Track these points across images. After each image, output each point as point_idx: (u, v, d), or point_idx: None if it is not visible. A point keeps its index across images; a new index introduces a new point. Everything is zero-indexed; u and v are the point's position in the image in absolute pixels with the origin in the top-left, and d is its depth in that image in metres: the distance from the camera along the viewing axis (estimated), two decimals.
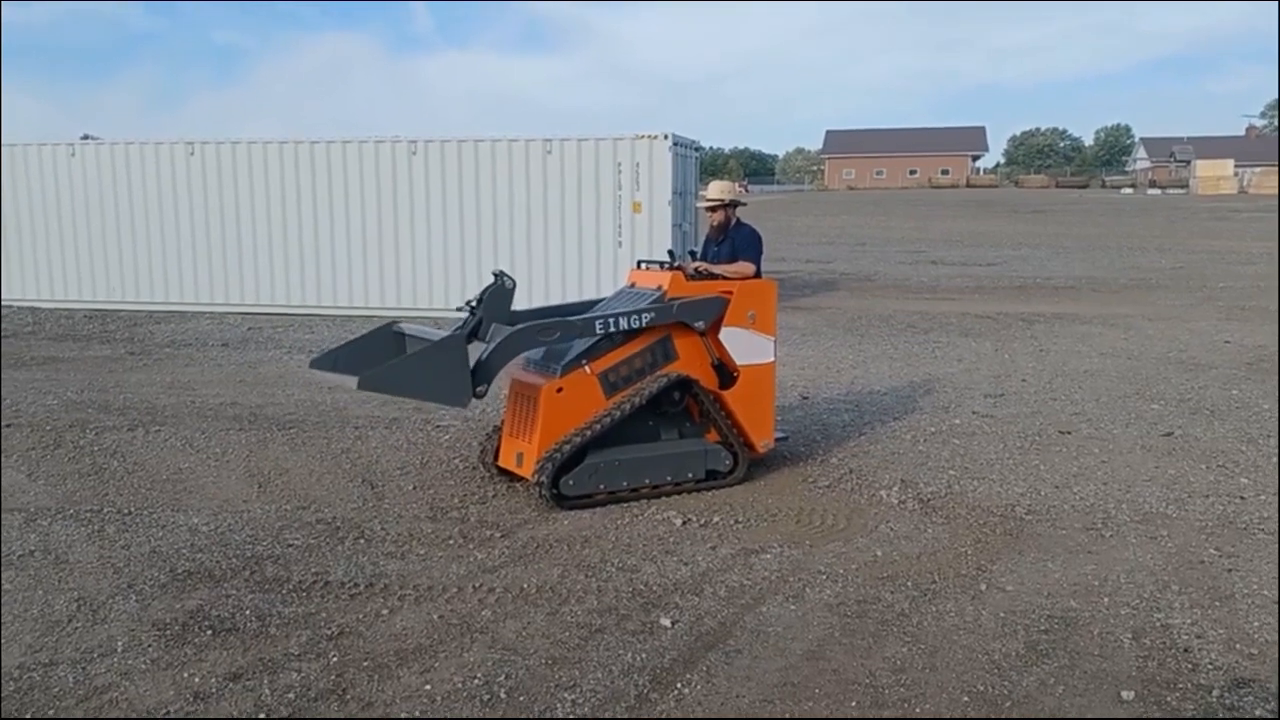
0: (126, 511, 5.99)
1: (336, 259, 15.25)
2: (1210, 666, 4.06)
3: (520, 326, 5.95)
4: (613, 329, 6.13)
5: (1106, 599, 4.70)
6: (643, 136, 14.24)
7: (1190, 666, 4.06)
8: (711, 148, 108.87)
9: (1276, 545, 5.38)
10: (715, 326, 6.40)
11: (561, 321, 6.07)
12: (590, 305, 6.59)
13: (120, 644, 4.24)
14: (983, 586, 4.85)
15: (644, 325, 6.18)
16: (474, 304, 6.14)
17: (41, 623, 4.46)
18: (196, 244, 15.71)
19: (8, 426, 8.01)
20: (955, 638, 4.32)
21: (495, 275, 6.18)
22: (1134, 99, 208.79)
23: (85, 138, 17.20)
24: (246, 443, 7.56)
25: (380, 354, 6.10)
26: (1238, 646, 4.22)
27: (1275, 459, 6.97)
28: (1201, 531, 5.60)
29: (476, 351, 5.89)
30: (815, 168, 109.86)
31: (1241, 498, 6.17)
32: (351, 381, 5.48)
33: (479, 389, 5.76)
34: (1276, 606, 4.62)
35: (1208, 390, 9.26)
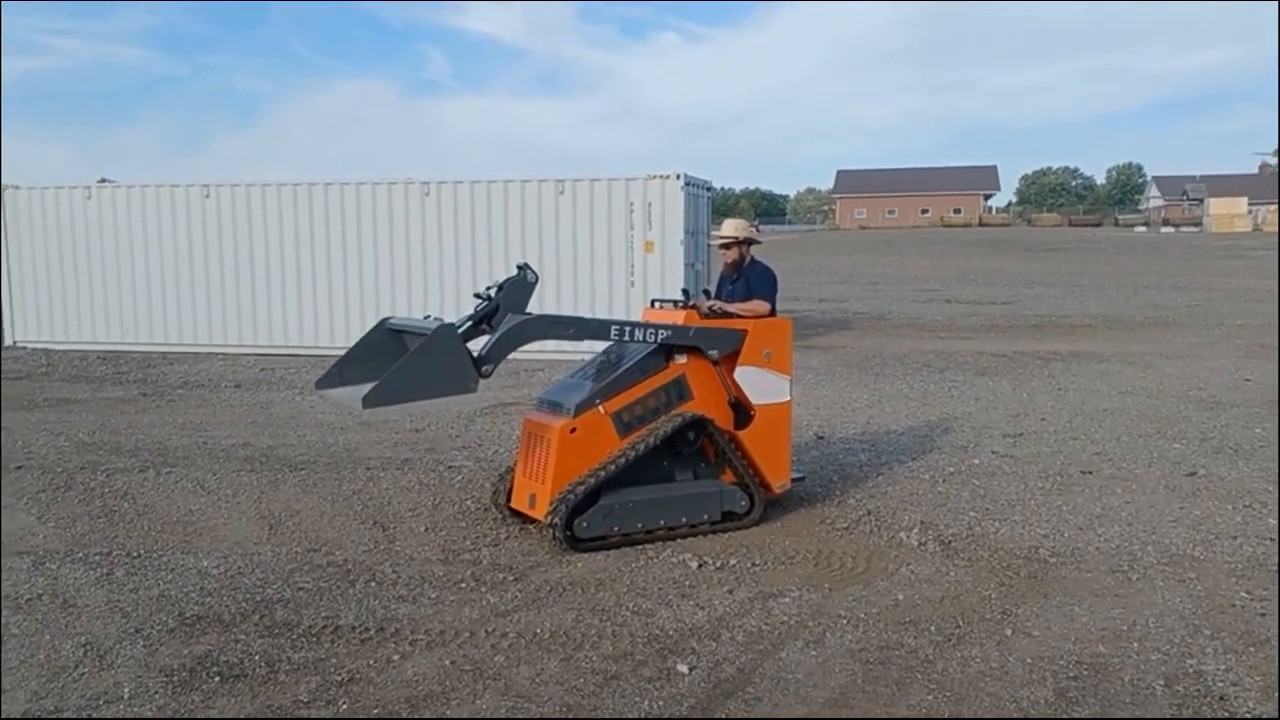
0: (136, 554, 5.92)
1: (350, 300, 15.28)
2: (1248, 715, 3.92)
3: (535, 315, 5.88)
4: (627, 337, 6.08)
5: (1136, 644, 4.57)
6: (655, 176, 14.29)
7: (1227, 715, 3.93)
8: (723, 188, 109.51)
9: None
10: (731, 363, 6.34)
11: (577, 319, 6.02)
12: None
13: (127, 690, 4.15)
14: (1008, 631, 4.72)
15: (659, 341, 6.13)
16: (491, 291, 6.01)
17: (48, 668, 4.37)
18: (210, 285, 15.79)
19: (18, 468, 7.98)
20: (982, 685, 4.20)
21: (519, 267, 6.10)
22: (1145, 138, 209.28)
23: (103, 181, 17.37)
24: (258, 484, 7.50)
25: (380, 356, 5.98)
26: (1275, 694, 4.09)
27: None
28: (1231, 574, 5.46)
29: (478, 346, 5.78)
30: (826, 207, 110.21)
31: (1270, 539, 6.03)
32: (356, 404, 5.40)
33: (484, 369, 5.63)
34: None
35: (1230, 429, 9.13)
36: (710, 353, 6.26)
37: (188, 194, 15.83)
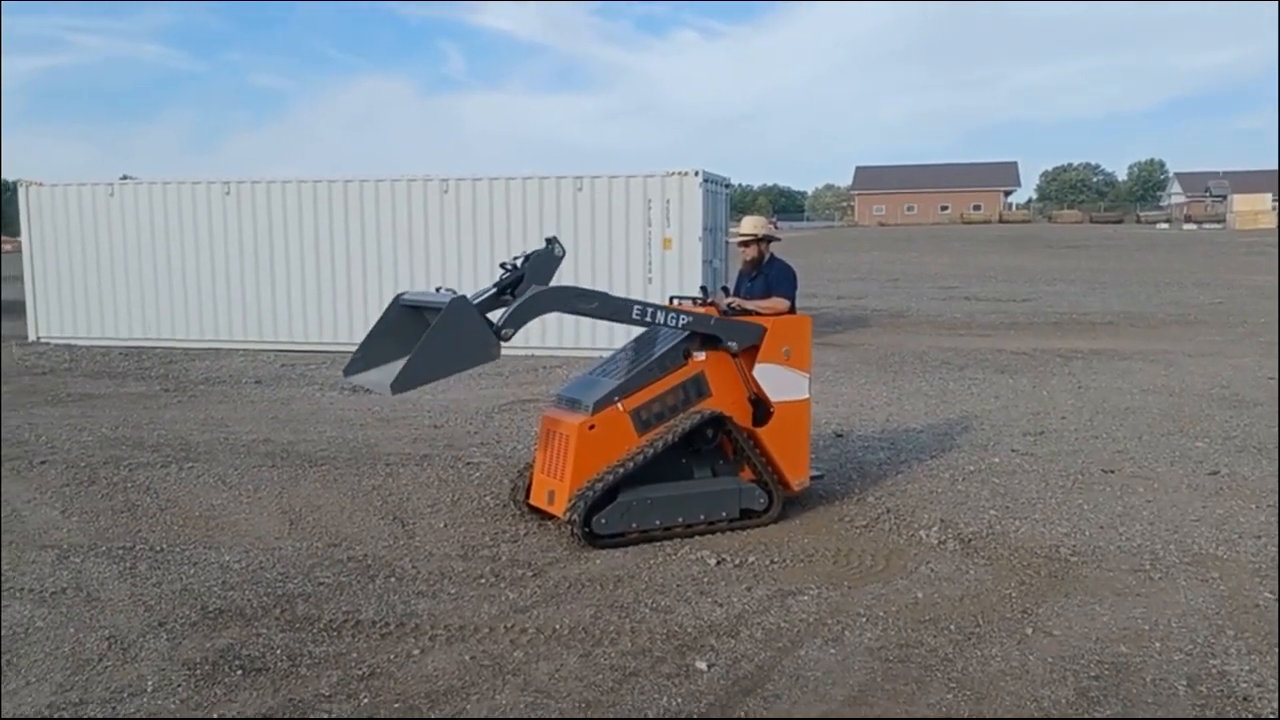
0: (159, 548, 5.97)
1: (369, 296, 15.31)
2: (1272, 716, 3.89)
3: (559, 285, 5.88)
4: (649, 318, 6.09)
5: (1158, 644, 4.54)
6: (673, 173, 14.28)
7: (1251, 716, 3.90)
8: (741, 184, 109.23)
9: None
10: (750, 360, 6.33)
11: (601, 293, 6.03)
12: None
13: (150, 684, 4.19)
14: (1029, 630, 4.70)
15: (680, 326, 6.15)
16: (517, 261, 6.00)
17: (73, 660, 4.42)
18: (231, 282, 15.89)
19: (42, 463, 8.06)
20: (1002, 684, 4.18)
21: (547, 241, 6.09)
22: (1167, 134, 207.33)
23: (125, 178, 17.49)
24: (279, 479, 7.55)
25: (401, 333, 5.99)
26: None
27: None
28: (1255, 574, 5.42)
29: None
30: (845, 204, 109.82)
31: None
32: (385, 388, 5.44)
33: (504, 332, 5.63)
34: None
35: (1254, 427, 9.04)
36: (729, 344, 6.25)
37: (209, 191, 15.94)
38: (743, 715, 3.94)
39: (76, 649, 4.54)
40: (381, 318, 6.18)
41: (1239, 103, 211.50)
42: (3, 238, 49.48)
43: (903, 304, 21.95)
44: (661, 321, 6.13)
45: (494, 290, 5.97)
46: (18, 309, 17.73)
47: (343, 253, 15.49)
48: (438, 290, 6.06)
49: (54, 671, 4.32)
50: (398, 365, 5.62)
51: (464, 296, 5.69)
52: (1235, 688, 4.12)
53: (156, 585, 5.35)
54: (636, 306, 6.10)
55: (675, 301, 6.76)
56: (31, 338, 16.53)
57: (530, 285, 5.92)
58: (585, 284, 14.34)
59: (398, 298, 6.23)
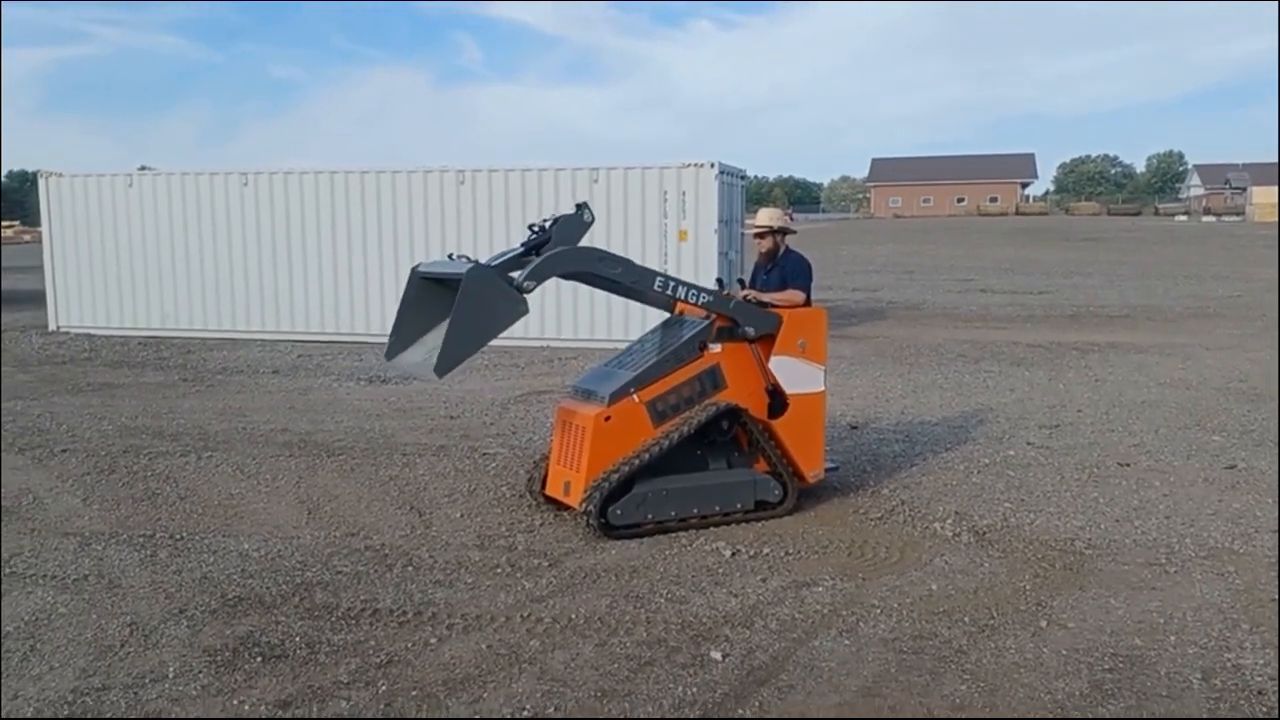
0: (179, 536, 6.04)
1: (385, 287, 15.38)
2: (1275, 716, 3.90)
3: (585, 245, 5.89)
4: (669, 292, 6.13)
5: (1173, 637, 4.54)
6: (689, 165, 14.26)
7: (1265, 710, 3.90)
8: (756, 176, 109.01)
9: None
10: (766, 352, 6.34)
11: (626, 259, 6.06)
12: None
13: (172, 669, 4.25)
14: (1043, 623, 4.71)
15: (700, 303, 6.19)
16: (546, 223, 6.00)
17: (95, 647, 4.48)
18: (249, 272, 15.99)
19: (63, 451, 8.14)
20: (1016, 676, 4.19)
21: (578, 206, 6.09)
22: (1187, 125, 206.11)
23: (143, 169, 17.61)
24: (296, 469, 7.61)
25: (428, 307, 6.01)
26: None
27: None
28: (1271, 568, 5.40)
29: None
30: (861, 196, 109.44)
31: None
32: (429, 373, 5.52)
33: (526, 285, 5.63)
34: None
35: (1271, 421, 9.00)
36: (745, 329, 6.27)
37: (226, 182, 16.02)
38: (739, 716, 3.96)
39: (99, 635, 4.61)
40: (404, 299, 6.17)
41: (1259, 94, 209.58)
42: (3, 225, 51.33)
43: (918, 296, 21.89)
44: (682, 296, 6.14)
45: (520, 250, 5.96)
46: (38, 299, 17.88)
47: (360, 244, 15.55)
48: (451, 257, 6.04)
49: (77, 657, 4.38)
50: (431, 341, 5.70)
51: (480, 264, 5.70)
52: (1250, 681, 4.12)
53: (177, 573, 5.41)
54: (659, 278, 6.12)
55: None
56: (51, 327, 16.69)
57: (557, 247, 5.93)
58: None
59: (414, 270, 6.19)
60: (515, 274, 5.75)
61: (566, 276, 6.18)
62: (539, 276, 5.71)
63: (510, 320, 5.67)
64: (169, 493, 7.00)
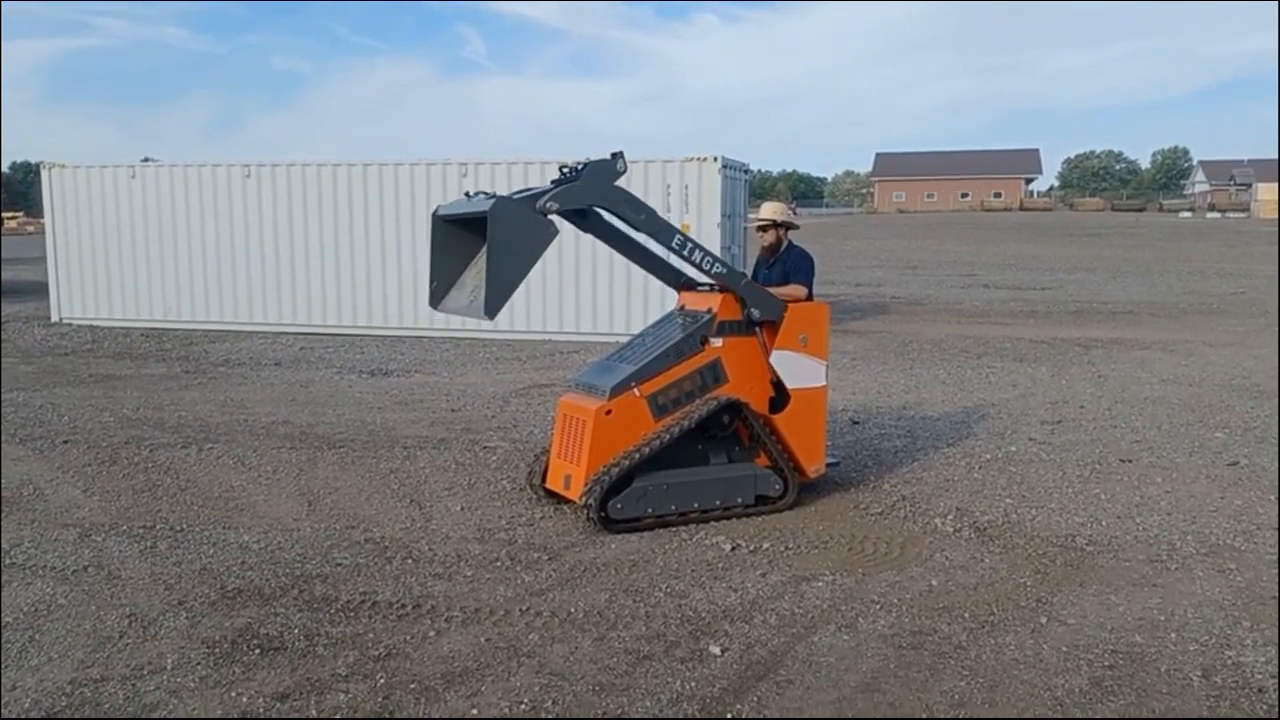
0: (178, 528, 6.04)
1: (388, 280, 15.41)
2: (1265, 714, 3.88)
3: (616, 187, 5.88)
4: (686, 252, 6.11)
5: (1174, 634, 4.53)
6: (692, 159, 14.24)
7: (1265, 708, 3.89)
8: (760, 170, 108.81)
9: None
10: (769, 343, 6.33)
11: (651, 209, 6.04)
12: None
13: (170, 661, 4.25)
14: (1043, 619, 4.70)
15: (712, 272, 6.19)
16: (579, 167, 5.93)
17: (94, 638, 4.48)
18: (251, 264, 15.99)
19: (64, 442, 8.15)
20: (1015, 672, 4.18)
21: (613, 155, 5.97)
22: (1192, 121, 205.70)
23: (146, 160, 17.59)
24: (297, 461, 7.61)
25: (458, 248, 6.04)
26: None
27: None
28: (1273, 565, 5.39)
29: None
30: (864, 190, 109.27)
31: None
32: (480, 313, 5.57)
33: (547, 205, 5.61)
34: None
35: (1274, 418, 8.97)
36: (751, 310, 6.25)
37: (229, 174, 16.01)
38: (738, 711, 3.96)
39: (98, 626, 4.61)
40: (433, 246, 6.15)
41: (1265, 90, 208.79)
42: (5, 216, 52.06)
43: (921, 291, 21.86)
44: (698, 261, 6.14)
45: (548, 188, 5.88)
46: (41, 290, 17.89)
47: (362, 236, 15.54)
48: (468, 196, 6.02)
49: (75, 648, 4.38)
50: (470, 283, 5.78)
51: (502, 196, 5.69)
52: (1250, 679, 4.11)
53: (176, 564, 5.41)
54: (678, 236, 6.10)
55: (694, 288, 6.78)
56: (54, 319, 16.70)
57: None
58: (602, 267, 14.39)
59: (436, 213, 6.15)
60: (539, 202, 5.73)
61: (583, 215, 6.10)
62: (561, 200, 5.68)
63: (543, 245, 5.67)
64: (169, 484, 7.00)
